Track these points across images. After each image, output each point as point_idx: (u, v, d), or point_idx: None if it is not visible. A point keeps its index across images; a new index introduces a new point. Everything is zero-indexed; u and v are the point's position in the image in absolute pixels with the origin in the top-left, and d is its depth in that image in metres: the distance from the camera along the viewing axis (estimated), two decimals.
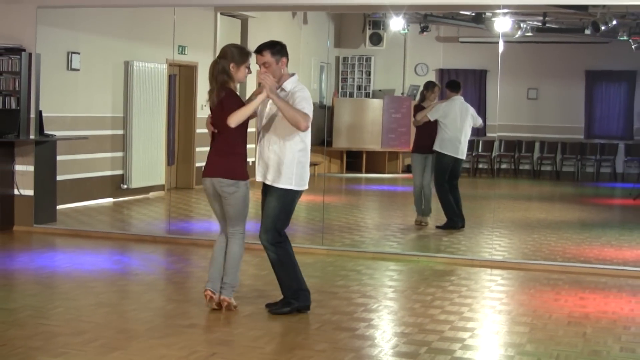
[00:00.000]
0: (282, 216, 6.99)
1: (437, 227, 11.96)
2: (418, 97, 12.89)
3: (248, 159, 7.07)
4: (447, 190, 11.95)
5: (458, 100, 12.02)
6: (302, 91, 6.88)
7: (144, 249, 10.26)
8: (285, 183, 6.92)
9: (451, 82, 12.46)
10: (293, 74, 7.03)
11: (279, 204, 6.95)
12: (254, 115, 7.00)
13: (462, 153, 12.05)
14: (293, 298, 7.05)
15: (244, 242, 7.12)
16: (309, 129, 6.88)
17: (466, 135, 12.03)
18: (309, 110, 6.78)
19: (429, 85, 12.32)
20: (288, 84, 6.93)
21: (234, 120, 6.78)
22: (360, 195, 17.06)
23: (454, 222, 11.94)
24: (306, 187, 7.06)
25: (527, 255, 10.23)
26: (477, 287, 8.52)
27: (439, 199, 12.01)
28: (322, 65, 18.77)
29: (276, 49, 6.93)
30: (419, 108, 12.17)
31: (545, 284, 8.64)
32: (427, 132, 11.98)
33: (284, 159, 6.88)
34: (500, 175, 17.56)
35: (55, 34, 11.79)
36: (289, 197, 6.97)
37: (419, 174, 12.18)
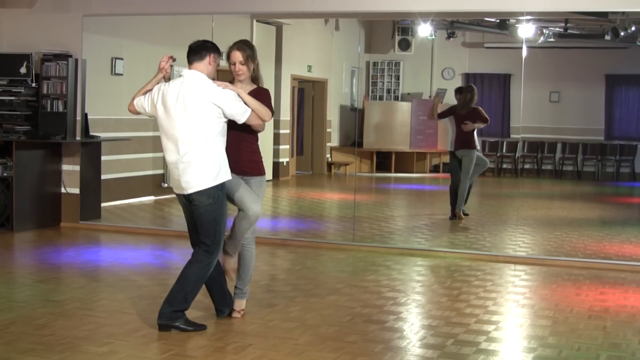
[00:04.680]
0: None
1: None
2: (454, 99, 12.84)
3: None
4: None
5: None
6: None
7: (183, 244, 10.25)
8: None
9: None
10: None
11: None
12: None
13: None
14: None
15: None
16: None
17: None
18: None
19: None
20: None
21: None
22: (389, 194, 17.01)
23: None
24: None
25: (549, 252, 10.17)
26: (501, 282, 8.48)
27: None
28: (353, 70, 18.73)
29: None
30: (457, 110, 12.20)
31: (567, 279, 8.58)
32: (466, 131, 12.07)
33: None
34: (523, 175, 17.42)
35: (100, 41, 11.85)
36: None
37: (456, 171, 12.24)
